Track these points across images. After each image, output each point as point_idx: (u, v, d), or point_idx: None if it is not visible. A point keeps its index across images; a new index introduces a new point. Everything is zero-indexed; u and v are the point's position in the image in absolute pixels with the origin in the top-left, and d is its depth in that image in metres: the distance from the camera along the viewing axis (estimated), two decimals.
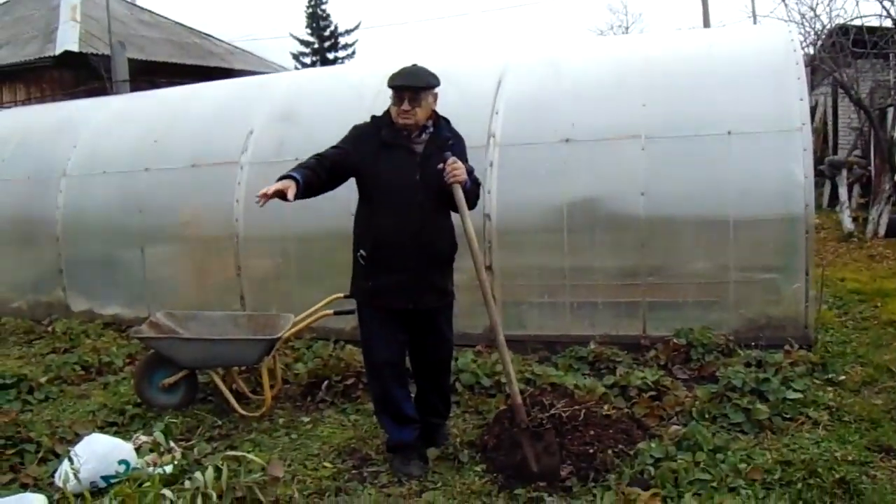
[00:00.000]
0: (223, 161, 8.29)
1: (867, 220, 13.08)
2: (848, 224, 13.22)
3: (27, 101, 19.25)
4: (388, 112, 4.67)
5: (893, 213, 12.99)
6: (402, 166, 4.57)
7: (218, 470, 3.93)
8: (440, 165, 4.46)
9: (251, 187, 7.98)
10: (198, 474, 3.84)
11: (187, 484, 3.91)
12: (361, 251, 4.62)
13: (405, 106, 4.52)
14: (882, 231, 12.71)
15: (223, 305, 7.92)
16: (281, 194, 4.30)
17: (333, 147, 4.64)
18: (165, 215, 8.55)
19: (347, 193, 4.92)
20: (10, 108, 17.42)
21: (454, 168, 4.43)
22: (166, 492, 3.79)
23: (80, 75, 18.94)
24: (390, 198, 4.56)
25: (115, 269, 8.80)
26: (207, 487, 3.69)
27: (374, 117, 4.74)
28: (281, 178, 4.37)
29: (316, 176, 4.46)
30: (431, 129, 4.67)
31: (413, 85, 4.53)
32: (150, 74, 18.63)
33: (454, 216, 4.67)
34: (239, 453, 4.29)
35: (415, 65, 4.69)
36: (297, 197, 4.34)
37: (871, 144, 14.47)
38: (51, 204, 9.18)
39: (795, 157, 6.58)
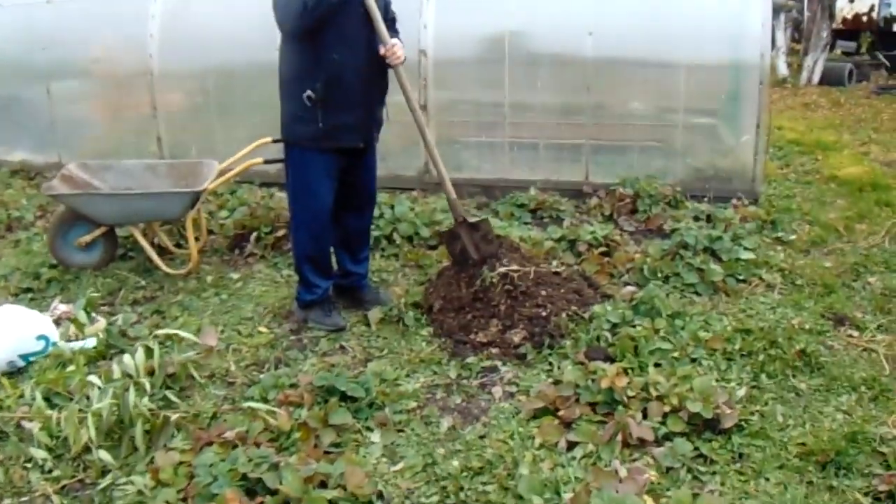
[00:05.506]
0: None
1: (801, 66, 13.00)
2: (783, 69, 13.15)
3: None
4: None
5: (829, 60, 12.96)
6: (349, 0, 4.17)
7: (149, 350, 3.57)
8: (381, 51, 4.30)
9: (166, 19, 7.44)
10: (126, 357, 3.46)
11: (115, 368, 3.54)
12: (309, 92, 4.19)
13: None
14: (816, 79, 12.72)
15: (139, 148, 7.54)
16: None
17: None
18: (72, 51, 7.86)
19: (273, 23, 4.29)
20: None
21: (395, 51, 4.30)
22: (93, 378, 3.41)
23: None
24: (342, 32, 4.16)
25: (19, 110, 8.17)
26: (140, 376, 3.32)
27: None
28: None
29: None
30: None
31: None
32: None
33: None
34: (171, 331, 3.91)
35: None
36: None
37: None
38: None
39: (752, 3, 6.39)
